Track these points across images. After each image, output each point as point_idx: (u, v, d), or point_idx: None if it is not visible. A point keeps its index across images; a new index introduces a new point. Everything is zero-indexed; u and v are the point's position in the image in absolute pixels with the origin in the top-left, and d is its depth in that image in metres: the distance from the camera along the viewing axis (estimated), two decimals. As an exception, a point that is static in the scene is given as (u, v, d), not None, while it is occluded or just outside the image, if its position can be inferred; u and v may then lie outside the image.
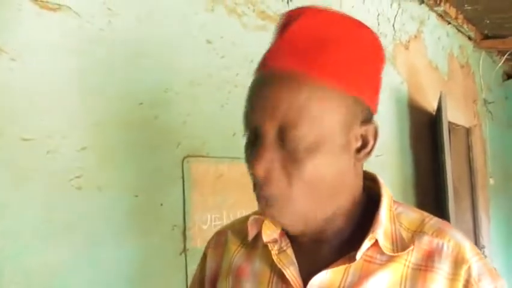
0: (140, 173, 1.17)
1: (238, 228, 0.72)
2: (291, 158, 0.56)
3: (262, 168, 0.56)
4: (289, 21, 0.60)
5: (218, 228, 0.78)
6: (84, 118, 1.07)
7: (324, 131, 0.56)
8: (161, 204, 1.21)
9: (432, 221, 0.63)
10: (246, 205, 1.37)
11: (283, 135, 0.56)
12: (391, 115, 2.46)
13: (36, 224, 0.96)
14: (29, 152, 0.97)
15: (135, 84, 1.19)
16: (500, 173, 4.08)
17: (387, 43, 2.45)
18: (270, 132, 0.57)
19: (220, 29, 1.45)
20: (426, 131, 2.80)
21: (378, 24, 2.37)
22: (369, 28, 0.63)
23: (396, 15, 2.56)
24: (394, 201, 0.65)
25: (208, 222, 1.27)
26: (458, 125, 3.22)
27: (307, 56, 0.56)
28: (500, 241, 3.92)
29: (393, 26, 2.52)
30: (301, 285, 0.60)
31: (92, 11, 1.11)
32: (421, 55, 2.85)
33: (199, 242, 1.25)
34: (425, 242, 0.61)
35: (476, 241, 3.31)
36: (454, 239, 0.61)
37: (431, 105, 2.85)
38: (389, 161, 2.39)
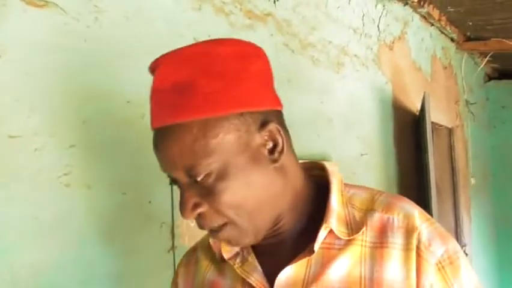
0: (129, 171, 1.17)
1: (207, 245, 0.73)
2: (209, 193, 0.59)
3: (191, 215, 0.60)
4: (153, 76, 0.62)
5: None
6: (72, 116, 1.07)
7: (223, 157, 0.58)
8: (150, 202, 1.21)
9: (382, 197, 0.66)
10: (234, 203, 1.37)
11: (193, 177, 0.59)
12: (376, 115, 2.49)
13: (23, 221, 0.95)
14: (16, 150, 0.96)
15: (122, 83, 1.19)
16: (481, 173, 4.16)
17: (372, 44, 2.48)
18: (181, 179, 0.61)
19: (208, 28, 1.45)
20: (409, 131, 2.84)
21: (363, 25, 2.41)
22: (226, 40, 0.64)
23: (380, 16, 2.60)
24: (345, 184, 0.68)
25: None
26: (440, 125, 3.28)
27: (176, 106, 0.58)
28: (481, 239, 4.00)
29: (378, 26, 2.56)
30: (267, 286, 0.63)
31: (79, 7, 1.11)
32: (405, 56, 2.89)
33: (187, 240, 1.26)
34: (376, 219, 0.63)
35: (458, 239, 3.37)
36: (402, 211, 0.63)
37: (415, 106, 2.89)
38: (373, 160, 2.42)
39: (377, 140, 2.49)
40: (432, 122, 2.76)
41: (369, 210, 0.64)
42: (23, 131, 0.97)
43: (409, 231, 0.61)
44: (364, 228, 0.62)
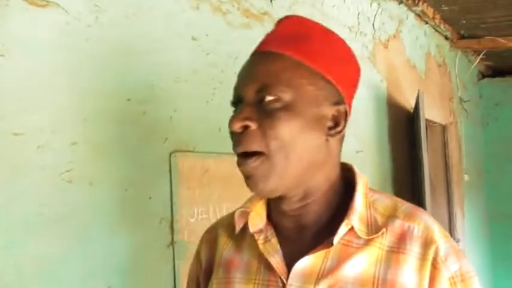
0: (130, 167, 1.19)
1: (227, 223, 0.76)
2: (267, 116, 0.63)
3: (239, 124, 0.63)
4: (277, 24, 0.72)
5: (204, 221, 0.82)
6: (74, 113, 1.09)
7: (297, 96, 0.64)
8: (150, 198, 1.23)
9: (405, 206, 0.69)
10: (231, 199, 1.40)
11: (261, 97, 0.64)
12: (371, 112, 2.52)
13: (27, 216, 0.97)
14: (20, 147, 0.98)
15: (123, 80, 1.21)
16: (474, 169, 4.21)
17: (367, 42, 2.51)
18: (250, 94, 0.65)
19: (206, 27, 1.47)
20: (404, 128, 2.87)
21: (359, 24, 2.43)
22: (337, 35, 0.72)
23: (376, 15, 2.63)
24: (370, 189, 0.71)
25: (195, 216, 1.30)
26: (434, 123, 3.31)
27: (287, 43, 0.67)
28: (474, 235, 4.05)
29: (373, 25, 2.59)
30: (286, 271, 0.65)
31: (80, 7, 1.13)
32: (400, 54, 2.92)
33: (186, 235, 1.28)
34: (398, 225, 0.66)
35: (452, 235, 3.41)
36: (423, 222, 0.66)
37: (409, 103, 2.93)
38: (368, 157, 2.45)
39: (372, 137, 2.52)
40: (426, 119, 2.80)
41: (391, 216, 0.67)
42: (27, 129, 0.99)
43: (427, 243, 0.64)
44: (384, 231, 0.65)
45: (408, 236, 0.65)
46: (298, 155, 0.64)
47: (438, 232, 0.66)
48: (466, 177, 3.92)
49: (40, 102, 1.03)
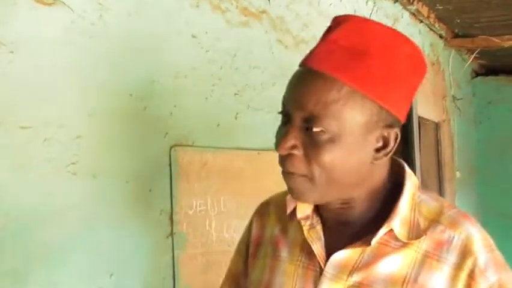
0: (131, 161, 1.23)
1: (279, 201, 0.80)
2: (313, 145, 0.64)
3: (285, 151, 0.65)
4: (332, 28, 0.69)
5: (203, 213, 0.87)
6: (78, 108, 1.13)
7: (344, 129, 0.64)
8: (150, 190, 1.28)
9: (451, 212, 0.68)
10: (229, 192, 1.45)
11: (309, 125, 0.65)
12: (365, 109, 2.56)
13: (34, 206, 1.02)
14: (27, 140, 1.02)
15: (125, 77, 1.25)
16: (466, 166, 4.26)
17: (362, 40, 2.55)
18: (298, 120, 0.65)
19: (205, 25, 1.51)
20: (397, 125, 2.91)
21: (354, 22, 2.48)
22: (412, 43, 0.68)
23: (371, 13, 2.67)
24: (419, 189, 0.71)
25: (193, 208, 1.35)
26: (428, 120, 3.36)
27: (342, 63, 0.64)
28: (465, 231, 4.11)
29: (368, 24, 2.63)
30: (325, 258, 0.69)
31: (85, 5, 1.16)
32: (394, 52, 2.96)
33: (185, 226, 1.33)
34: (438, 231, 0.66)
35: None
36: (465, 232, 0.66)
37: (403, 101, 2.97)
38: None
39: (366, 133, 2.56)
40: (419, 117, 2.85)
41: (434, 221, 0.67)
42: (34, 122, 1.04)
43: (465, 253, 0.64)
44: (424, 237, 0.66)
45: (447, 244, 0.65)
46: (340, 178, 0.66)
47: (479, 243, 0.65)
48: (458, 174, 3.97)
49: (47, 97, 1.07)
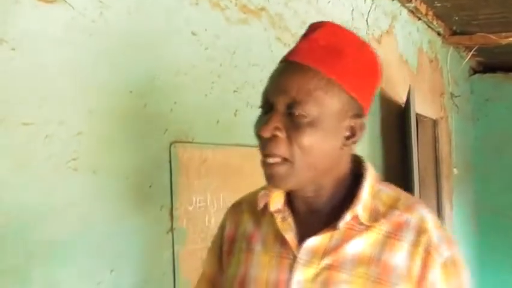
0: (131, 157, 1.25)
1: (250, 200, 0.87)
2: (295, 128, 0.71)
3: (269, 132, 0.71)
4: (311, 30, 0.77)
5: (202, 209, 0.91)
6: (79, 105, 1.14)
7: (323, 114, 0.72)
8: (150, 186, 1.29)
9: (405, 199, 0.78)
10: (229, 188, 1.46)
11: (291, 110, 0.72)
12: (363, 106, 2.57)
13: (35, 203, 1.03)
14: (28, 136, 1.03)
15: (125, 74, 1.26)
16: (464, 163, 4.28)
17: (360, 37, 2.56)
18: (280, 105, 0.73)
19: (204, 22, 1.52)
20: (395, 122, 2.93)
21: (353, 19, 2.49)
22: (374, 50, 0.79)
23: (369, 11, 2.68)
24: (378, 181, 0.80)
25: (193, 204, 1.36)
26: (425, 117, 3.37)
27: (322, 58, 0.73)
28: (462, 228, 4.14)
29: (366, 21, 2.64)
30: (297, 246, 0.76)
31: (85, 3, 1.17)
32: (393, 49, 2.98)
33: (185, 222, 1.34)
34: (396, 215, 0.75)
35: (440, 227, 3.47)
36: (419, 214, 0.75)
37: (401, 97, 2.99)
38: (360, 150, 2.49)
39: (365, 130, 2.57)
40: (417, 114, 2.86)
41: (392, 206, 0.76)
42: (35, 119, 1.05)
43: (420, 231, 0.73)
44: (383, 220, 0.74)
45: (405, 225, 0.74)
46: (316, 162, 0.73)
47: (432, 222, 0.74)
48: (455, 170, 3.99)
49: (48, 94, 1.07)
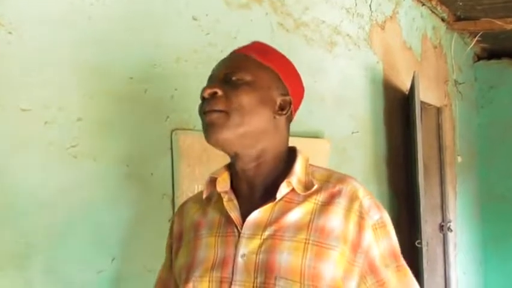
0: (132, 144, 1.23)
1: (196, 198, 0.96)
2: (231, 87, 0.83)
3: (210, 90, 0.83)
4: (248, 44, 0.94)
5: None
6: (79, 90, 1.12)
7: (255, 79, 0.85)
8: (152, 174, 1.27)
9: (337, 174, 0.88)
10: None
11: (228, 77, 0.85)
12: (367, 93, 2.55)
13: (34, 189, 1.01)
14: (27, 122, 1.01)
15: (125, 59, 1.24)
16: (468, 151, 4.26)
17: (363, 23, 2.53)
18: (219, 76, 0.86)
19: (205, 7, 1.49)
20: (399, 109, 2.90)
21: (356, 5, 2.45)
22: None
23: (373, -4, 2.63)
24: (311, 164, 0.90)
25: (195, 192, 1.34)
26: (429, 105, 3.34)
27: (254, 51, 0.89)
28: (466, 215, 4.13)
29: (370, 6, 2.60)
30: (241, 223, 0.83)
31: (83, -14, 1.14)
32: (396, 35, 2.94)
33: (187, 210, 1.32)
34: (330, 187, 0.85)
35: (443, 215, 3.47)
36: (350, 184, 0.85)
37: (405, 85, 2.95)
38: (363, 138, 2.49)
39: (368, 118, 2.55)
40: (421, 101, 2.83)
41: (325, 181, 0.86)
42: (34, 105, 1.03)
43: (353, 199, 0.83)
44: (316, 188, 0.84)
45: (338, 194, 0.84)
46: (250, 117, 0.82)
47: (362, 191, 0.84)
48: (459, 158, 3.97)
49: (47, 79, 1.05)
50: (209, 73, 1.48)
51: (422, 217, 2.64)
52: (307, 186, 0.84)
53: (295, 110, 0.93)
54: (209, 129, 0.82)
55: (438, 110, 3.46)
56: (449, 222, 3.50)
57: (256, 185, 0.86)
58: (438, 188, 3.45)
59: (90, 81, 1.14)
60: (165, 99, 1.34)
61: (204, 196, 0.90)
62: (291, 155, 0.89)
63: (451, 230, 3.51)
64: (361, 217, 0.82)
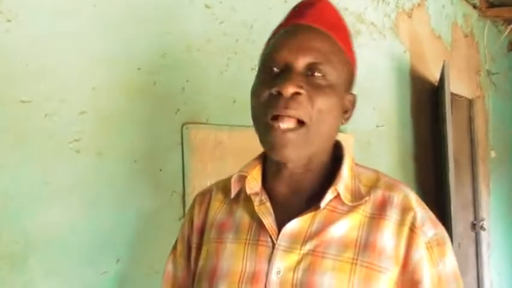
0: (139, 139, 1.16)
1: (222, 186, 0.81)
2: (316, 88, 0.67)
3: (293, 89, 0.65)
4: (310, 3, 0.74)
5: None
6: (82, 82, 1.06)
7: (338, 79, 0.70)
8: (161, 170, 1.21)
9: (386, 178, 0.75)
10: (246, 172, 1.36)
11: (311, 71, 0.68)
12: (393, 84, 2.44)
13: (34, 186, 0.96)
14: (27, 115, 0.96)
15: (133, 49, 1.17)
16: (502, 145, 4.08)
17: (389, 11, 2.41)
18: (300, 65, 0.68)
19: (220, -6, 1.42)
20: (427, 101, 2.78)
21: (382, -8, 2.33)
22: None
23: (401, -17, 2.51)
24: (356, 164, 0.77)
25: (207, 188, 1.27)
26: (460, 96, 3.20)
27: (332, 26, 0.72)
28: (500, 214, 3.95)
29: (396, -7, 2.48)
30: (276, 231, 0.70)
31: (88, -29, 1.08)
32: (424, 24, 2.80)
33: (198, 208, 1.26)
34: (379, 195, 0.72)
35: (476, 214, 3.33)
36: (402, 192, 0.72)
37: (433, 76, 2.82)
38: (389, 132, 2.38)
39: (394, 110, 2.44)
40: (451, 93, 2.69)
41: (373, 187, 0.73)
42: (34, 96, 0.97)
43: (405, 210, 0.70)
44: (367, 199, 0.71)
45: (389, 204, 0.71)
46: (327, 130, 0.70)
47: (415, 201, 0.72)
48: (493, 153, 3.80)
49: (48, 69, 1.00)
50: (224, 64, 1.44)
51: (453, 216, 2.50)
52: (355, 195, 0.71)
53: None
54: (282, 148, 0.66)
55: (470, 102, 3.31)
56: (482, 220, 3.36)
57: (298, 190, 0.73)
58: (469, 185, 3.32)
59: (94, 72, 1.08)
60: (175, 91, 1.27)
61: (232, 194, 0.76)
62: (336, 152, 0.76)
63: (484, 229, 3.37)
64: (412, 231, 0.69)
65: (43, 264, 0.96)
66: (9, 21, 0.95)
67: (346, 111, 0.74)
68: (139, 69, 1.18)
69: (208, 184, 1.29)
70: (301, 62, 0.68)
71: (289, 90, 0.65)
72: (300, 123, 0.66)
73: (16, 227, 0.93)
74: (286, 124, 0.66)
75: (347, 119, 0.74)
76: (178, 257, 0.84)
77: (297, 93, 0.65)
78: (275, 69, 0.69)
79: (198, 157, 1.27)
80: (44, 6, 1.00)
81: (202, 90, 1.34)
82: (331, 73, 0.68)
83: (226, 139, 1.35)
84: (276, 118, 0.66)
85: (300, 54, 0.68)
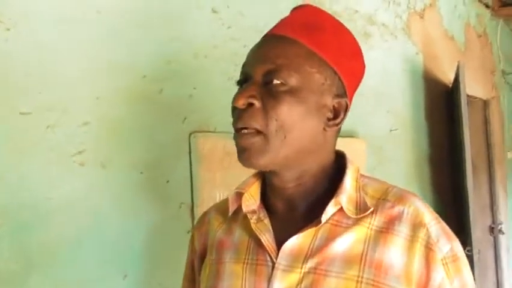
0: (145, 149, 1.12)
1: (220, 207, 0.80)
2: (272, 97, 0.65)
3: (244, 100, 0.65)
4: (292, 10, 0.74)
5: None
6: (85, 91, 1.02)
7: (303, 83, 0.66)
8: (168, 181, 1.17)
9: (395, 189, 0.71)
10: (256, 181, 1.32)
11: (269, 79, 0.66)
12: (406, 87, 2.38)
13: (36, 200, 0.92)
14: (27, 127, 0.92)
15: (138, 56, 1.14)
16: (518, 147, 3.98)
17: (401, 12, 2.35)
18: (258, 75, 0.67)
19: (226, -1, 1.38)
20: (442, 103, 2.71)
21: (392, -8, 2.27)
22: (353, 35, 0.74)
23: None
24: (362, 175, 0.73)
25: (217, 200, 1.22)
26: (475, 98, 3.13)
27: (301, 31, 0.68)
28: (518, 216, 3.85)
29: (407, -6, 2.42)
30: (276, 249, 0.67)
31: (91, -22, 1.05)
32: (437, 24, 2.74)
33: (208, 220, 1.21)
34: (388, 207, 0.68)
35: (493, 217, 3.24)
36: (413, 205, 0.68)
37: (447, 77, 2.75)
38: (403, 135, 2.32)
39: (408, 113, 2.38)
40: (466, 94, 2.62)
41: (381, 199, 0.69)
42: (34, 107, 0.94)
43: (417, 225, 0.66)
44: (372, 210, 0.67)
45: (398, 218, 0.67)
46: (294, 139, 0.66)
47: (428, 215, 0.68)
48: (509, 154, 3.71)
49: (49, 79, 0.96)
50: (232, 70, 1.40)
51: (472, 221, 2.43)
52: (360, 207, 0.67)
53: (351, 100, 0.74)
54: (243, 154, 0.67)
55: (485, 103, 3.24)
56: (500, 224, 3.27)
57: (296, 204, 0.71)
58: (486, 188, 3.24)
59: (98, 80, 1.04)
60: (182, 99, 1.23)
61: (230, 212, 0.74)
62: (338, 163, 0.73)
63: (503, 233, 3.28)
64: (429, 248, 0.65)
65: (46, 283, 0.92)
66: (8, 29, 0.92)
67: (335, 117, 0.69)
68: (144, 76, 1.14)
69: (217, 195, 1.25)
70: (258, 72, 0.67)
71: (239, 102, 0.65)
72: (258, 131, 0.66)
73: (16, 244, 0.89)
74: (246, 134, 0.66)
75: (333, 126, 0.69)
76: (184, 281, 0.84)
77: (251, 104, 0.65)
78: (241, 82, 0.70)
79: (206, 167, 1.23)
80: (45, 14, 0.97)
81: (210, 97, 1.30)
82: (291, 77, 0.65)
83: (235, 148, 1.31)
84: (238, 128, 0.68)
85: (257, 64, 0.67)
